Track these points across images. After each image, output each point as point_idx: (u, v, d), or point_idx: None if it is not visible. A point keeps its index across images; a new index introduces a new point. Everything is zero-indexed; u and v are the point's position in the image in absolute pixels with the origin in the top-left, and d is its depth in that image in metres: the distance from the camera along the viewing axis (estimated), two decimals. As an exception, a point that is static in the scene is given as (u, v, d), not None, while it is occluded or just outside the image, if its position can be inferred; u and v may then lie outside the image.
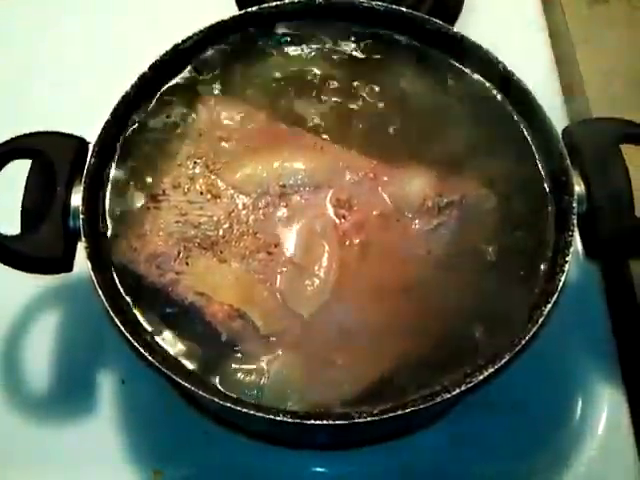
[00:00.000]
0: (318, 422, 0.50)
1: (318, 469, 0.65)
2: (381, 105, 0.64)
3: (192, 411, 0.65)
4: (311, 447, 0.65)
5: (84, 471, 0.65)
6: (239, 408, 0.51)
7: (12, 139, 0.61)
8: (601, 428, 0.65)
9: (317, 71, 0.66)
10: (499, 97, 0.65)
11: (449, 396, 0.51)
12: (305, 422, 0.50)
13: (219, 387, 0.54)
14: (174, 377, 0.52)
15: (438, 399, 0.51)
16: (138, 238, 0.58)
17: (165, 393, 0.65)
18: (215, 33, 0.66)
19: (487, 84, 0.66)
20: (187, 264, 0.57)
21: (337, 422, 0.50)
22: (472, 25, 0.83)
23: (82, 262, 0.57)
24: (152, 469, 0.65)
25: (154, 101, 0.64)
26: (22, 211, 0.58)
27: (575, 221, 0.57)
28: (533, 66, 0.74)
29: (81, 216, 0.57)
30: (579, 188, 0.59)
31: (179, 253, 0.57)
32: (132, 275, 0.57)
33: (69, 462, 0.65)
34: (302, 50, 0.67)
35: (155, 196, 0.60)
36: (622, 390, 0.67)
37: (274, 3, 0.68)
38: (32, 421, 0.66)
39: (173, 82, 0.65)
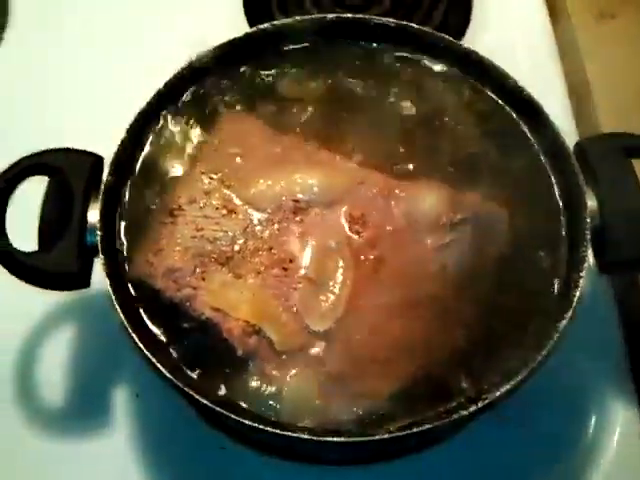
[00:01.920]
0: (335, 439, 0.50)
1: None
2: (394, 121, 0.64)
3: (208, 426, 0.66)
4: (328, 462, 0.65)
5: (98, 485, 0.65)
6: (255, 425, 0.51)
7: (29, 156, 0.61)
8: (614, 443, 0.65)
9: (330, 87, 0.66)
10: (510, 112, 0.65)
11: (465, 413, 0.51)
12: (321, 439, 0.51)
13: (235, 403, 0.54)
14: (191, 394, 0.52)
15: (455, 416, 0.51)
16: (155, 253, 0.58)
17: (180, 407, 0.65)
18: (228, 50, 0.67)
19: (497, 99, 0.66)
20: (203, 279, 0.57)
21: (354, 439, 0.51)
22: (480, 40, 0.84)
23: (99, 277, 0.58)
24: (166, 484, 0.65)
25: (169, 117, 0.65)
26: (39, 227, 0.59)
27: (588, 236, 0.57)
28: (542, 80, 0.75)
29: (98, 233, 0.58)
30: (591, 203, 0.59)
31: (195, 268, 0.58)
32: (149, 290, 0.57)
33: (83, 476, 0.66)
34: (315, 66, 0.67)
35: (171, 211, 0.60)
36: (635, 405, 0.67)
37: (285, 20, 0.69)
38: (46, 434, 0.67)
39: (188, 98, 0.66)
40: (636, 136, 0.63)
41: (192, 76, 0.66)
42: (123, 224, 0.60)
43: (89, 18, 0.89)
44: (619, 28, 0.86)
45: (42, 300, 0.69)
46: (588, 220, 0.58)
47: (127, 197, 0.61)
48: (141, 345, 0.54)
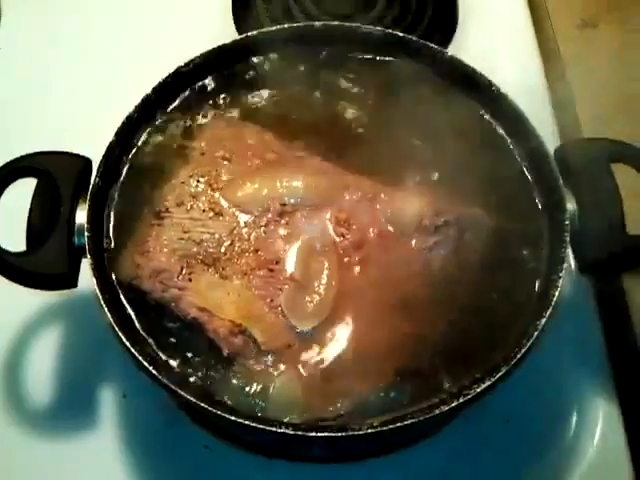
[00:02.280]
0: (320, 434, 0.51)
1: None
2: (379, 127, 0.66)
3: (193, 425, 0.66)
4: (312, 460, 0.65)
5: (85, 486, 0.66)
6: (240, 420, 0.52)
7: (18, 158, 0.62)
8: (596, 441, 0.66)
9: (317, 94, 0.68)
10: (492, 118, 0.67)
11: (447, 409, 0.52)
12: (307, 434, 0.51)
13: (220, 401, 0.55)
14: (178, 391, 0.53)
15: (436, 411, 0.52)
16: (142, 254, 0.59)
17: (166, 407, 0.66)
18: (216, 57, 0.68)
19: (481, 105, 0.67)
20: (190, 280, 0.58)
21: (338, 434, 0.52)
22: (465, 47, 0.85)
23: (86, 278, 0.58)
24: (153, 484, 0.65)
25: (157, 122, 0.66)
26: (28, 228, 0.60)
27: (568, 237, 0.59)
28: (525, 87, 0.76)
29: (86, 234, 0.58)
30: (571, 206, 0.61)
31: (182, 269, 0.58)
32: (136, 291, 0.58)
33: (70, 476, 0.66)
34: (302, 73, 0.69)
35: (158, 213, 0.61)
36: (616, 403, 0.68)
37: (273, 27, 0.70)
38: (34, 435, 0.67)
39: (175, 103, 0.67)
40: (616, 142, 0.64)
41: (180, 81, 0.67)
42: (111, 226, 0.61)
43: (79, 22, 0.90)
44: (601, 37, 0.88)
45: (29, 300, 0.70)
46: (567, 223, 0.59)
47: (115, 199, 0.62)
48: (128, 344, 0.54)
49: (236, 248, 0.59)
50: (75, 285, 0.60)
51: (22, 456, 0.66)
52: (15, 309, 0.71)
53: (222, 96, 0.68)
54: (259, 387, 0.55)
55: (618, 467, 0.66)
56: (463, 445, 0.66)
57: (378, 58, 0.70)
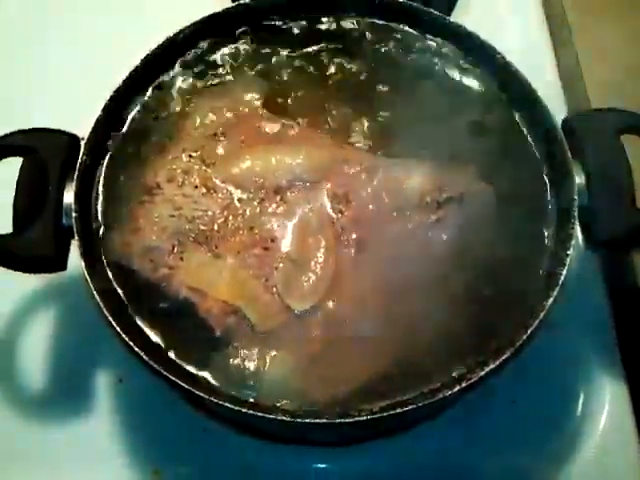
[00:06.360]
0: (316, 421, 0.49)
1: (319, 465, 0.64)
2: (379, 98, 0.63)
3: (191, 409, 0.65)
4: (311, 444, 0.64)
5: (82, 471, 0.64)
6: (237, 408, 0.50)
7: (3, 136, 0.60)
8: (603, 423, 0.65)
9: (314, 64, 0.65)
10: (497, 88, 0.64)
11: (449, 393, 0.50)
12: (302, 421, 0.50)
13: (214, 385, 0.53)
14: (169, 376, 0.51)
15: (439, 396, 0.50)
16: (132, 233, 0.57)
17: (163, 391, 0.64)
18: (208, 26, 0.65)
19: (485, 75, 0.65)
20: (181, 259, 0.56)
21: (335, 421, 0.50)
22: (468, 15, 0.82)
23: (76, 260, 0.56)
24: (151, 469, 0.64)
25: (147, 95, 0.63)
26: (14, 209, 0.57)
27: (576, 213, 0.56)
28: (531, 56, 0.73)
29: (73, 214, 0.56)
30: (579, 179, 0.58)
31: (173, 247, 0.56)
32: (126, 271, 0.56)
33: (67, 462, 0.65)
34: (298, 42, 0.66)
35: (149, 190, 0.59)
36: (624, 385, 0.66)
37: (267, -5, 0.68)
38: (29, 421, 0.66)
39: (166, 76, 0.64)
40: (626, 112, 0.62)
41: (170, 52, 0.64)
42: (100, 204, 0.59)
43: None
44: (609, 5, 0.85)
45: (19, 284, 0.68)
46: (576, 197, 0.57)
47: (103, 177, 0.60)
48: (118, 329, 0.52)
49: (230, 226, 0.57)
50: (64, 268, 0.58)
51: (17, 443, 0.65)
52: (4, 293, 0.68)
53: (215, 68, 0.65)
54: (253, 369, 0.53)
55: (625, 449, 0.64)
56: (468, 426, 0.64)
57: (378, 26, 0.67)
